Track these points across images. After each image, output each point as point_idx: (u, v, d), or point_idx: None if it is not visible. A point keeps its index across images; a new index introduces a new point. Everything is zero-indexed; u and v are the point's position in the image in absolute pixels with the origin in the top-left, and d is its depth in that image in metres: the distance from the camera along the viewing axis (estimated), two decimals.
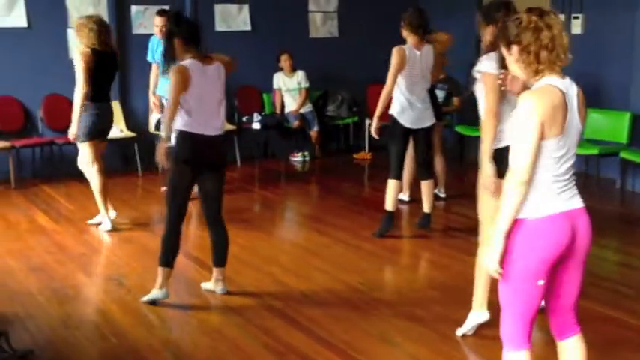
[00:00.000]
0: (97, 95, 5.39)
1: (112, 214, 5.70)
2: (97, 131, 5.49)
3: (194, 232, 5.61)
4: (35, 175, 7.49)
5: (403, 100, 5.30)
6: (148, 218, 6.17)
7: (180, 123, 3.95)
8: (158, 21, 6.34)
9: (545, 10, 2.45)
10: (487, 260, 2.50)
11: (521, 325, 2.53)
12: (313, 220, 6.15)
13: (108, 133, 5.74)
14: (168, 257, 4.06)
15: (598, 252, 5.11)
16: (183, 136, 3.97)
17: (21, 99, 7.52)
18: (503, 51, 2.52)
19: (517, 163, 2.40)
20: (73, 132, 5.39)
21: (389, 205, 5.36)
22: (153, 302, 4.06)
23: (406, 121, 5.31)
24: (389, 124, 5.42)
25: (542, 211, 2.43)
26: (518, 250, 2.45)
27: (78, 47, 5.44)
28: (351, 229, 5.65)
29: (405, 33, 5.30)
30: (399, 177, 5.38)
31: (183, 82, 3.86)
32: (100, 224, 5.64)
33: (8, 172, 7.11)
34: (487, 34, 3.55)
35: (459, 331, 3.71)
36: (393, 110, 5.34)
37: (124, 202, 6.47)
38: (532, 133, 2.36)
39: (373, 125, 5.32)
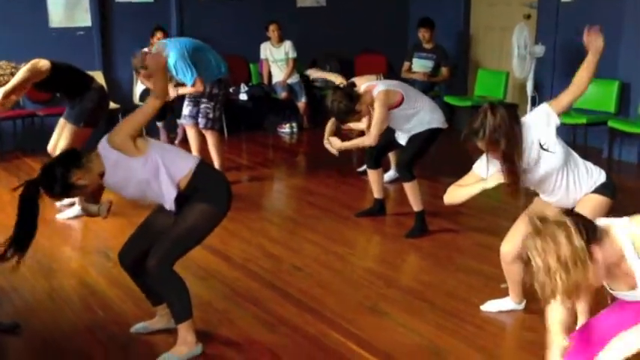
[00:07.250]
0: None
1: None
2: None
3: None
4: (17, 148, 7.37)
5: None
6: None
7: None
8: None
9: None
10: None
11: None
12: (302, 191, 6.10)
13: None
14: (190, 304, 3.25)
15: None
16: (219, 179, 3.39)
17: None
18: None
19: None
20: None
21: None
22: None
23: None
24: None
25: None
26: None
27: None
28: (340, 201, 5.62)
29: None
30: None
31: None
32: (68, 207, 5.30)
33: None
34: None
35: (484, 307, 3.64)
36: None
37: None
38: None
39: None
